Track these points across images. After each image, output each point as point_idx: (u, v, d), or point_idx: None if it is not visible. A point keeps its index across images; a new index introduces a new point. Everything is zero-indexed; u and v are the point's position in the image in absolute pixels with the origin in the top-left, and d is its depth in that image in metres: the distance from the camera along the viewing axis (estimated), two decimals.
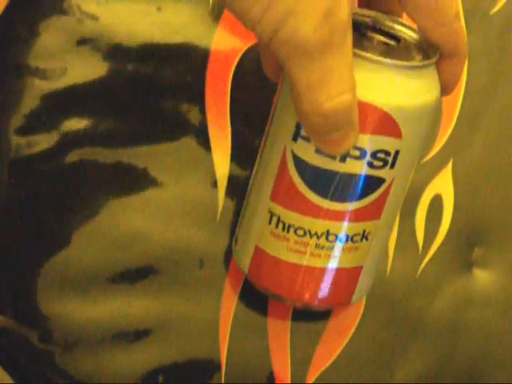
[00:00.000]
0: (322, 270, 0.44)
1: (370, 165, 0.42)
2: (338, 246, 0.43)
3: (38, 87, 0.52)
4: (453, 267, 0.53)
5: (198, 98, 0.52)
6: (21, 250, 0.51)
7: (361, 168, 0.41)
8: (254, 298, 0.51)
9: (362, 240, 0.44)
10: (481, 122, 0.54)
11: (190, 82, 0.52)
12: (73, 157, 0.51)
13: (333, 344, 0.52)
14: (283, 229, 0.43)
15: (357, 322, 0.52)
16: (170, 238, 0.50)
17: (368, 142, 0.41)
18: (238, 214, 0.51)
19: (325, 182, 0.42)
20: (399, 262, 0.52)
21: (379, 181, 0.42)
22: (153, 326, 0.51)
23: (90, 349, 0.51)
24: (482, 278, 0.54)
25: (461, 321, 0.53)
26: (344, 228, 0.43)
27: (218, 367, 0.51)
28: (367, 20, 0.44)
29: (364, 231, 0.44)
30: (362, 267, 0.45)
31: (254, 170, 0.46)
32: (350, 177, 0.42)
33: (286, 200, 0.43)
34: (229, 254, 0.51)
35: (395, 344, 0.53)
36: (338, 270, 0.44)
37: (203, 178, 0.51)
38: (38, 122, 0.51)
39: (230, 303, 0.51)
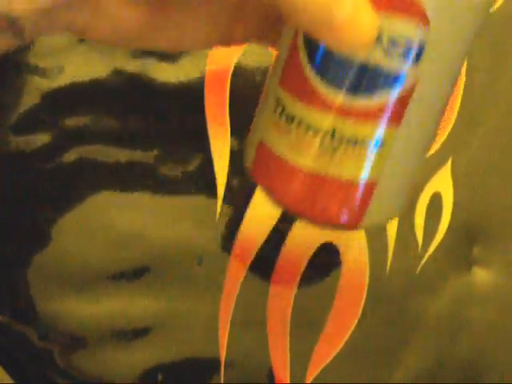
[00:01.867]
0: (324, 177, 0.37)
1: (388, 54, 0.35)
2: (344, 150, 0.37)
3: (38, 85, 0.52)
4: (452, 265, 0.53)
5: (198, 97, 0.52)
6: (19, 249, 0.51)
7: (377, 56, 0.35)
8: (254, 296, 0.51)
9: (374, 148, 0.37)
10: (480, 119, 0.54)
11: (189, 81, 0.53)
12: (72, 155, 0.51)
13: (332, 342, 0.52)
14: (287, 120, 0.37)
15: (356, 320, 0.52)
16: (169, 236, 0.50)
17: (384, 22, 0.34)
18: (237, 212, 0.51)
19: (334, 69, 0.36)
20: (399, 260, 0.52)
21: (399, 77, 0.36)
22: (152, 325, 0.51)
23: (89, 347, 0.51)
24: (482, 275, 0.54)
25: (460, 318, 0.53)
26: (352, 128, 0.37)
27: (218, 365, 0.51)
28: None
29: (377, 137, 0.37)
30: (374, 183, 0.38)
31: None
32: (364, 65, 0.36)
33: (292, 85, 0.37)
34: (228, 252, 0.51)
35: (395, 342, 0.53)
36: (343, 181, 0.38)
37: (202, 177, 0.51)
38: (37, 120, 0.51)
39: (229, 301, 0.51)
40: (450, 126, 0.54)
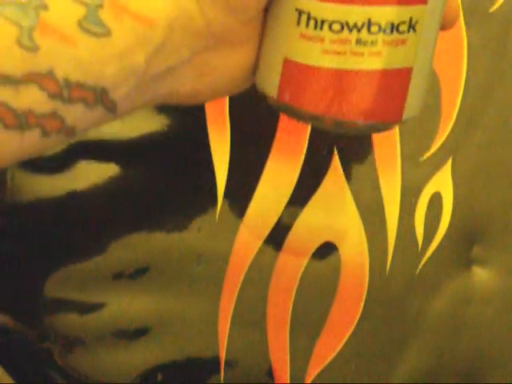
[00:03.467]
0: (367, 73, 0.37)
1: None
2: (383, 39, 0.37)
3: None
4: (452, 265, 0.53)
5: None
6: (20, 250, 0.51)
7: None
8: (253, 295, 0.51)
9: (409, 31, 0.37)
10: (480, 119, 0.54)
11: None
12: (76, 161, 0.51)
13: (332, 341, 0.52)
14: (315, 27, 0.37)
15: (356, 320, 0.52)
16: (169, 235, 0.50)
17: None
18: (237, 211, 0.51)
19: None
20: (399, 260, 0.52)
21: None
22: (152, 324, 0.51)
23: (89, 347, 0.51)
24: (481, 275, 0.54)
25: (460, 318, 0.53)
26: (388, 14, 0.37)
27: (217, 364, 0.51)
28: None
29: (411, 19, 0.37)
30: (411, 68, 0.38)
31: None
32: None
33: None
34: (228, 251, 0.51)
35: (394, 341, 0.53)
36: (385, 72, 0.38)
37: (202, 176, 0.51)
38: None
39: (229, 300, 0.51)
40: (450, 125, 0.54)
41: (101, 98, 0.35)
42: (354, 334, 0.52)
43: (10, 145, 0.35)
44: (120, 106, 0.36)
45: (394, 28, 0.37)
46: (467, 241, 0.54)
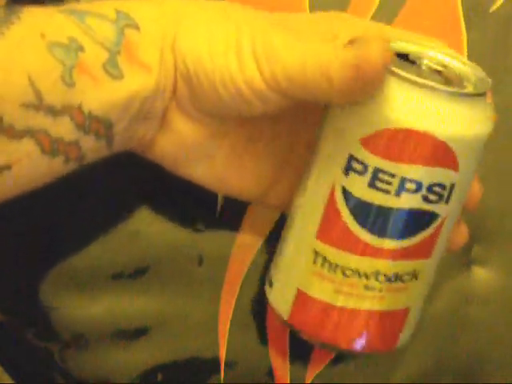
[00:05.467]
0: (368, 314, 0.42)
1: (426, 199, 0.40)
2: (388, 287, 0.42)
3: None
4: (452, 265, 0.53)
5: None
6: (20, 248, 0.51)
7: (416, 203, 0.40)
8: (254, 296, 0.51)
9: (411, 279, 0.42)
10: None
11: None
12: None
13: None
14: (330, 269, 0.41)
15: None
16: (169, 235, 0.50)
17: (424, 173, 0.39)
18: (236, 210, 0.51)
19: (377, 219, 0.40)
20: None
21: (434, 216, 0.41)
22: (152, 324, 0.51)
23: (89, 347, 0.51)
24: (481, 275, 0.54)
25: (460, 318, 0.53)
26: (394, 267, 0.41)
27: (217, 365, 0.51)
28: (413, 50, 0.42)
29: (414, 270, 0.42)
30: (409, 309, 0.43)
31: (292, 207, 0.44)
32: (405, 212, 0.40)
33: (333, 238, 0.41)
34: (228, 251, 0.51)
35: None
36: (386, 313, 0.43)
37: None
38: None
39: (229, 300, 0.51)
40: None
41: (106, 131, 0.40)
42: None
43: (43, 168, 0.40)
44: (116, 139, 0.41)
45: (398, 278, 0.41)
46: (467, 241, 0.53)
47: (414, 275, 0.42)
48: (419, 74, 0.40)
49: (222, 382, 0.52)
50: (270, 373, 0.52)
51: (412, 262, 0.42)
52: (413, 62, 0.42)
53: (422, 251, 0.42)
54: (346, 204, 0.40)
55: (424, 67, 0.42)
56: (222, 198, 0.51)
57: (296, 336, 0.45)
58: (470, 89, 0.41)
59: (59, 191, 0.50)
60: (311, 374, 0.52)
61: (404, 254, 0.41)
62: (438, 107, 0.39)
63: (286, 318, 0.44)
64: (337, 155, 0.40)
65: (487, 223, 0.54)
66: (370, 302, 0.42)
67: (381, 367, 0.53)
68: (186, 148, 0.43)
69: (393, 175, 0.39)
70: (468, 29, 0.53)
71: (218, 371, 0.51)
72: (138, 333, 0.51)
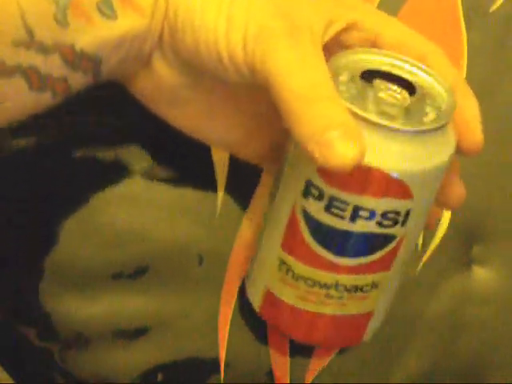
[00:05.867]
0: (332, 317, 0.44)
1: (381, 224, 0.41)
2: (347, 296, 0.43)
3: None
4: (452, 265, 0.53)
5: None
6: (20, 248, 0.51)
7: (371, 227, 0.41)
8: None
9: (371, 289, 0.43)
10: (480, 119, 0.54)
11: None
12: (73, 153, 0.51)
13: None
14: (293, 278, 0.43)
15: None
16: (169, 235, 0.50)
17: (377, 204, 0.40)
18: (237, 210, 0.51)
19: (335, 240, 0.41)
20: None
21: (390, 237, 0.42)
22: (152, 324, 0.51)
23: (89, 347, 0.51)
24: (481, 275, 0.54)
25: (460, 318, 0.53)
26: (354, 280, 0.43)
27: (217, 365, 0.51)
28: (385, 62, 0.42)
29: (374, 282, 0.43)
30: (372, 313, 0.45)
31: (264, 214, 0.45)
32: (361, 235, 0.41)
33: (295, 252, 0.43)
34: (228, 251, 0.51)
35: (394, 342, 0.53)
36: (348, 317, 0.44)
37: (202, 175, 0.51)
38: (38, 119, 0.51)
39: (229, 300, 0.51)
40: None
41: (94, 68, 0.41)
42: None
43: (30, 103, 0.40)
44: (102, 75, 0.42)
45: (358, 289, 0.43)
46: (467, 240, 0.53)
47: (374, 285, 0.43)
48: (377, 103, 0.40)
49: (221, 382, 0.52)
50: (270, 373, 0.52)
51: (371, 275, 0.43)
52: (372, 84, 0.41)
53: (381, 266, 0.43)
54: (306, 223, 0.41)
55: (383, 94, 0.41)
56: (222, 198, 0.51)
57: None
58: (431, 116, 0.40)
59: (59, 191, 0.50)
60: (311, 374, 0.52)
61: (362, 269, 0.42)
62: (391, 146, 0.39)
63: (258, 310, 0.46)
64: (297, 178, 0.41)
65: (487, 223, 0.54)
66: (333, 307, 0.43)
67: (381, 367, 0.53)
68: (163, 90, 0.43)
69: (347, 203, 0.40)
70: (468, 29, 0.53)
71: (218, 371, 0.51)
72: (137, 333, 0.51)
